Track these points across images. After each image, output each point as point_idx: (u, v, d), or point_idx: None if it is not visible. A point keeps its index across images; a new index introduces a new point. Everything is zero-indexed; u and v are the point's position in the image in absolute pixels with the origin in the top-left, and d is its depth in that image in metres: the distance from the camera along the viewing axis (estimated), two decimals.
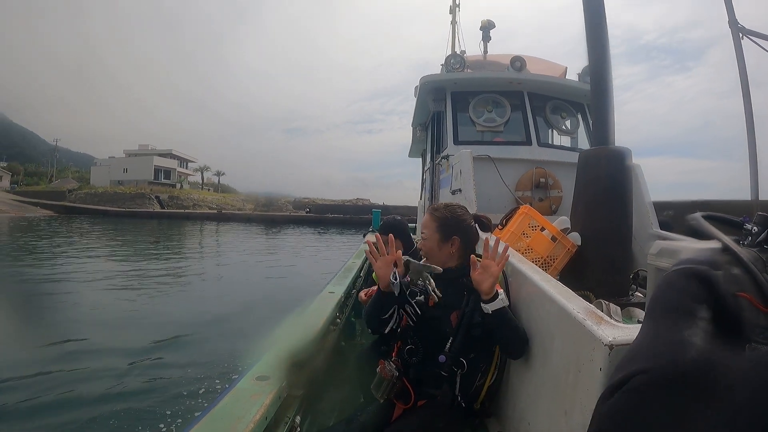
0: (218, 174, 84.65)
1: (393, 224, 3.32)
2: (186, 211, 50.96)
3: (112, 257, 16.15)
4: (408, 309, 2.02)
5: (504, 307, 1.81)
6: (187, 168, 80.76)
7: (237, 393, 1.67)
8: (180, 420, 4.05)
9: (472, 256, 1.92)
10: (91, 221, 37.53)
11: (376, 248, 1.98)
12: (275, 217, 45.94)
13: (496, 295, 1.81)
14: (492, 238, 1.95)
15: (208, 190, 75.09)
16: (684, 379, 0.63)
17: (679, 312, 0.72)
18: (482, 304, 1.83)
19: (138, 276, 11.86)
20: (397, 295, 1.95)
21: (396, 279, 1.92)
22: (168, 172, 72.12)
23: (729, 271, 0.73)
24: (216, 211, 50.25)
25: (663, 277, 0.82)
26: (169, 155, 75.63)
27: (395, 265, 1.95)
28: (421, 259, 2.11)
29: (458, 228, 2.10)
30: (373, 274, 2.28)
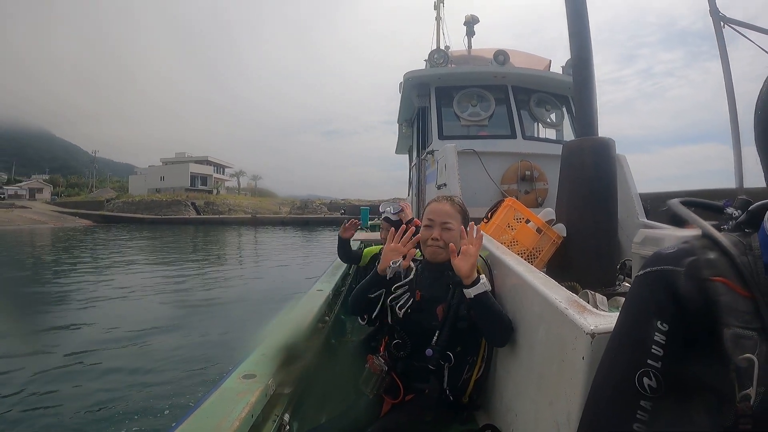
0: (255, 178, 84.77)
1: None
2: (220, 216, 51.17)
3: (138, 269, 15.74)
4: (393, 303, 2.03)
5: (486, 291, 1.81)
6: (223, 174, 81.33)
7: (223, 391, 1.66)
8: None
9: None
10: (127, 229, 37.95)
11: (398, 237, 2.05)
12: (309, 219, 46.32)
13: (478, 279, 1.81)
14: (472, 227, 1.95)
15: (245, 194, 74.88)
16: None
17: (632, 338, 0.76)
18: (464, 290, 1.82)
19: (157, 286, 11.77)
20: (387, 279, 2.00)
21: (394, 265, 1.97)
22: (204, 179, 72.75)
23: (703, 256, 0.72)
24: (250, 216, 50.26)
25: (633, 281, 0.83)
26: (205, 162, 76.18)
27: (403, 258, 2.00)
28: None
29: (468, 220, 2.11)
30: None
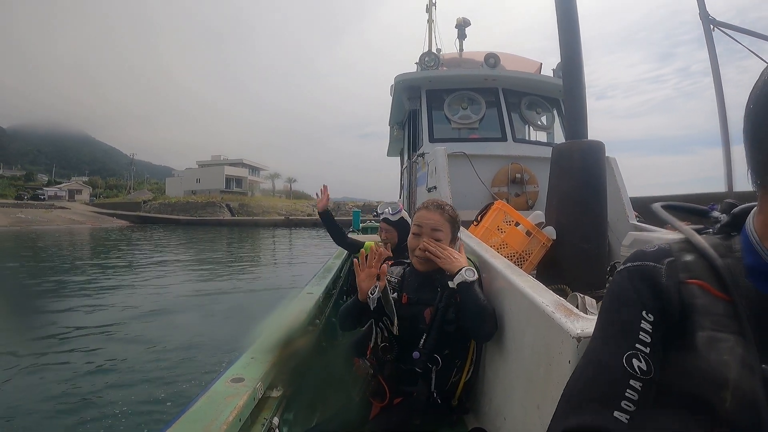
0: (290, 181, 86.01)
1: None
2: (254, 218, 51.71)
3: (171, 268, 16.28)
4: (384, 321, 2.05)
5: (466, 281, 1.83)
6: (258, 176, 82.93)
7: (211, 395, 1.64)
8: None
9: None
10: (163, 230, 40.02)
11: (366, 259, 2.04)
12: (341, 221, 46.06)
13: (462, 270, 1.84)
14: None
15: (279, 197, 76.01)
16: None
17: (617, 328, 0.74)
18: (449, 282, 1.86)
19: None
20: (372, 309, 1.99)
21: (373, 293, 1.96)
22: (239, 181, 73.95)
23: (680, 259, 0.73)
24: (283, 218, 50.68)
25: (613, 276, 0.82)
26: (240, 164, 77.89)
27: (378, 278, 1.99)
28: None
29: (458, 228, 2.13)
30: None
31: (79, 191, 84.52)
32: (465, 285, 1.82)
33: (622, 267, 0.80)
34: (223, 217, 52.90)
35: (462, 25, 7.31)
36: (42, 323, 7.85)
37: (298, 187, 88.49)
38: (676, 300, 0.69)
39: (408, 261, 2.21)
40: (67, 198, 75.81)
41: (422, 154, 5.26)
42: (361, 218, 13.68)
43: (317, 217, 4.32)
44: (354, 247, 3.65)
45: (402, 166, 8.15)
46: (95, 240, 29.81)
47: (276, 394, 2.00)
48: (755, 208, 0.73)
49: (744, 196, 0.83)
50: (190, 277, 14.10)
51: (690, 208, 0.96)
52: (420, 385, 1.93)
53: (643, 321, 0.70)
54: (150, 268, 15.67)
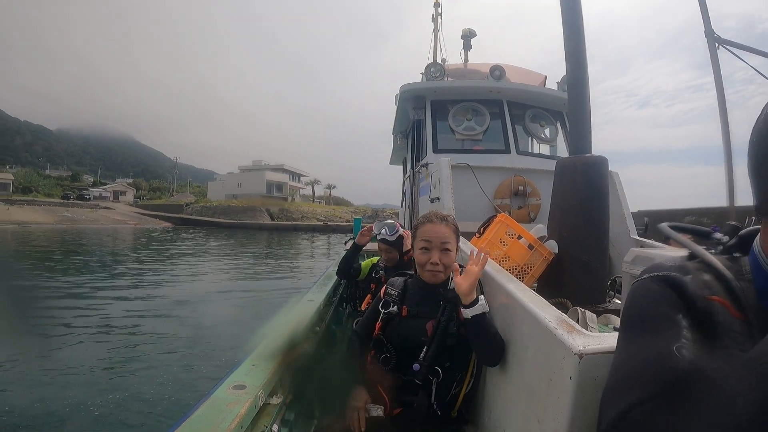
0: (329, 187, 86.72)
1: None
2: (293, 222, 52.46)
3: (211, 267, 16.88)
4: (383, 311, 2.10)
5: (484, 313, 1.81)
6: (299, 182, 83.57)
7: (213, 402, 1.65)
8: None
9: (455, 264, 1.93)
10: (205, 232, 41.30)
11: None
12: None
13: (477, 300, 1.81)
14: (475, 249, 1.97)
15: (319, 202, 77.19)
16: (683, 400, 0.61)
17: (658, 323, 0.72)
18: (462, 309, 1.82)
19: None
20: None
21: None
22: (280, 186, 74.51)
23: (698, 277, 0.74)
24: (322, 223, 51.32)
25: (633, 285, 0.82)
26: (281, 170, 78.41)
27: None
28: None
29: (459, 236, 2.17)
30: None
31: (124, 192, 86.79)
32: (482, 317, 1.81)
33: (644, 276, 0.80)
34: (263, 221, 53.59)
35: (468, 36, 7.36)
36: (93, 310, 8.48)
37: (337, 193, 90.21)
38: (702, 313, 0.70)
39: (410, 273, 2.22)
40: (111, 199, 78.46)
41: (426, 165, 5.28)
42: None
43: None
44: (357, 272, 3.68)
45: (404, 175, 8.17)
46: (139, 239, 30.73)
47: (276, 401, 2.01)
48: (760, 232, 0.75)
49: (749, 212, 0.84)
50: (231, 275, 14.75)
51: (693, 229, 0.98)
52: (420, 397, 1.93)
53: (683, 320, 0.70)
54: (192, 263, 16.93)
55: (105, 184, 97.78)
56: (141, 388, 4.73)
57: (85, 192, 75.51)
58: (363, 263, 3.60)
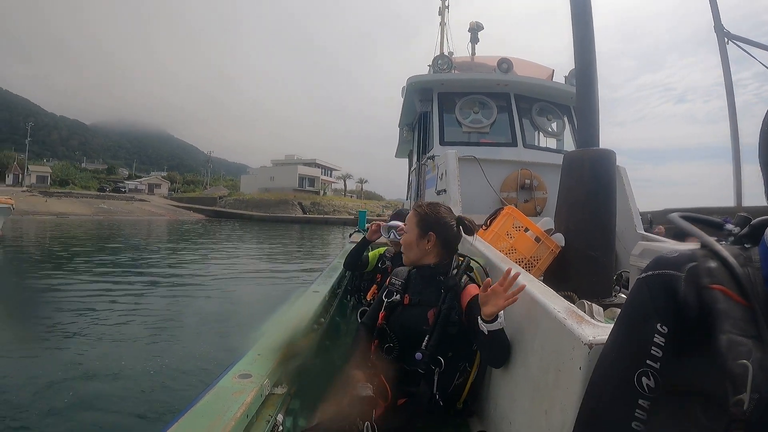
0: (361, 181, 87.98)
1: (401, 212, 3.60)
2: (324, 216, 53.69)
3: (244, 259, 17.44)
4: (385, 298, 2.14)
5: (501, 329, 1.74)
6: (330, 176, 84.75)
7: (218, 391, 1.65)
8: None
9: (488, 279, 1.84)
10: (238, 224, 42.87)
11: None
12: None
13: (497, 317, 1.73)
14: (513, 269, 1.82)
15: (351, 196, 77.69)
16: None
17: (633, 330, 0.79)
18: (480, 323, 1.74)
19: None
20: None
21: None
22: (312, 180, 75.26)
23: (704, 264, 0.74)
24: (353, 217, 51.75)
25: (635, 282, 0.83)
26: (313, 164, 79.67)
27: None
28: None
29: (437, 225, 2.13)
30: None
31: (158, 185, 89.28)
32: (500, 332, 1.75)
33: (642, 275, 0.81)
34: (295, 214, 54.51)
35: (475, 29, 7.32)
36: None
37: (369, 187, 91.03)
38: (696, 306, 0.71)
39: None
40: (146, 191, 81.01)
41: (432, 157, 5.26)
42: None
43: (385, 217, 4.38)
44: (364, 265, 3.66)
45: (410, 168, 8.15)
46: (175, 230, 32.23)
47: (281, 390, 2.01)
48: None
49: (758, 212, 0.85)
50: (267, 265, 15.69)
51: (705, 220, 0.97)
52: (422, 386, 1.93)
53: (656, 335, 0.73)
54: (229, 252, 18.31)
55: (140, 177, 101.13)
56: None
57: (121, 184, 78.70)
58: (370, 254, 3.60)
